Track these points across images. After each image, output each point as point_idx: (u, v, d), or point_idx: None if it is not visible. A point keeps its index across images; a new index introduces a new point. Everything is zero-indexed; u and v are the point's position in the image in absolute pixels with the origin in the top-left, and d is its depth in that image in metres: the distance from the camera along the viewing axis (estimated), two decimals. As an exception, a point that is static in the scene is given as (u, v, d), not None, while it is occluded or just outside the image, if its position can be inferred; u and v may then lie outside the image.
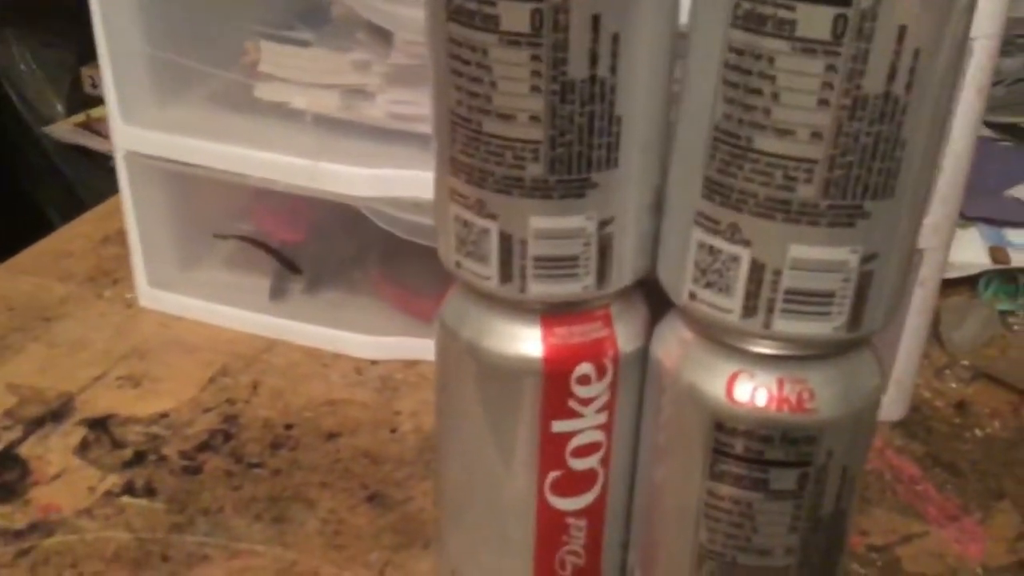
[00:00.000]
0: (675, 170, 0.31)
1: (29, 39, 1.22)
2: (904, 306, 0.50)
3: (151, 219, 0.59)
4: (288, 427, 0.51)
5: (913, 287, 0.49)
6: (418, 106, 0.52)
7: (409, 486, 0.47)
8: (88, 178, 1.14)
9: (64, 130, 1.16)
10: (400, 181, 0.51)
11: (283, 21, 0.54)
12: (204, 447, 0.49)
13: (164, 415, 0.51)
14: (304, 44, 0.54)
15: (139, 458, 0.48)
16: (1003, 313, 0.61)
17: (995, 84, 0.81)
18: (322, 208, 0.54)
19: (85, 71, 1.21)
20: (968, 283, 0.62)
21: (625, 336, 0.35)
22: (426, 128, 0.51)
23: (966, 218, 0.66)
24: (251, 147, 0.53)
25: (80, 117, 1.17)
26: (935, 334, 0.58)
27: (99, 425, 0.50)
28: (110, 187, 0.73)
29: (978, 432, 0.51)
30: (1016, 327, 0.59)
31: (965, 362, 0.56)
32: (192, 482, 0.47)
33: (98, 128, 1.14)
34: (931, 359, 0.56)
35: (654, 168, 0.32)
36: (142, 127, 0.56)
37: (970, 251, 0.64)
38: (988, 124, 0.76)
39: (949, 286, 0.61)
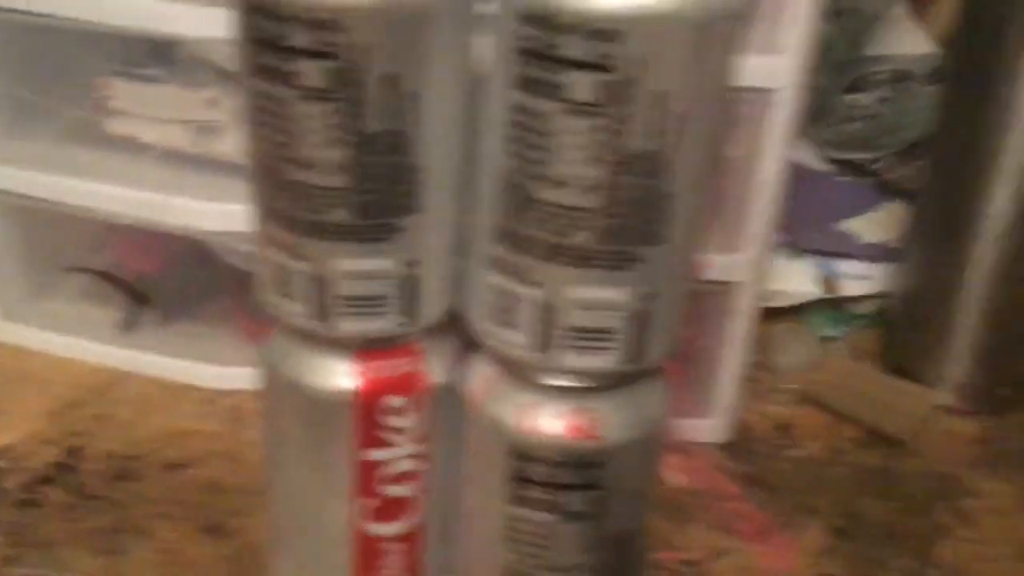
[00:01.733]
0: (474, 217, 0.34)
1: None
2: (722, 336, 0.53)
3: (2, 252, 0.59)
4: (131, 459, 0.51)
5: (731, 318, 0.53)
6: (267, 143, 0.54)
7: (249, 516, 0.48)
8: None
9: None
10: (246, 215, 0.52)
11: (133, 59, 0.55)
12: (45, 480, 0.49)
13: (7, 448, 0.51)
14: (155, 81, 0.55)
15: (-24, 492, 0.48)
16: (829, 339, 0.65)
17: (850, 120, 0.87)
18: (177, 241, 0.55)
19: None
20: (798, 311, 0.66)
21: (437, 370, 0.37)
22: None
23: (799, 250, 0.71)
24: (101, 182, 0.54)
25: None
26: (764, 360, 0.62)
27: (-63, 459, 0.50)
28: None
29: (796, 452, 0.55)
30: (839, 353, 0.64)
31: (790, 386, 0.60)
32: (30, 515, 0.47)
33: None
34: (759, 384, 0.60)
35: (456, 213, 0.34)
36: (-9, 161, 0.56)
37: (801, 281, 0.68)
38: (832, 160, 0.81)
39: (780, 314, 0.65)
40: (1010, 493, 0.53)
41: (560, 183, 0.30)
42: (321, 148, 0.31)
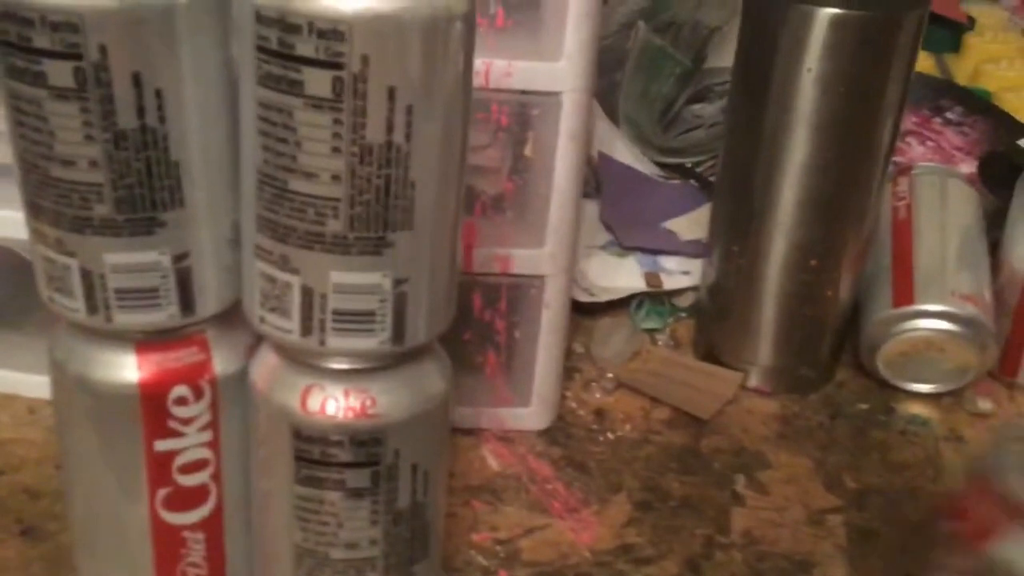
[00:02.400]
0: (241, 208, 0.35)
1: None
2: (538, 328, 0.56)
3: None
4: (-55, 470, 0.51)
5: (542, 311, 0.55)
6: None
7: (66, 519, 0.49)
8: None
9: None
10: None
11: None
12: None
13: None
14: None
15: None
16: (652, 331, 0.68)
17: (695, 128, 0.92)
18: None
19: None
20: (625, 305, 0.69)
21: (223, 359, 0.38)
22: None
23: (625, 247, 0.74)
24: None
25: None
26: (588, 352, 0.65)
27: None
28: None
29: (610, 435, 0.58)
30: (660, 343, 0.67)
31: (610, 375, 0.63)
32: None
33: None
34: (582, 374, 0.63)
35: (225, 206, 0.36)
36: None
37: (627, 277, 0.72)
38: (662, 165, 0.85)
39: (607, 309, 0.68)
40: (804, 464, 0.57)
41: (309, 174, 0.32)
42: (76, 145, 0.32)
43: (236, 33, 0.32)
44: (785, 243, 0.59)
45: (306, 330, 0.35)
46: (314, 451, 0.36)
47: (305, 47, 0.30)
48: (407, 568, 0.40)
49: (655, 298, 0.71)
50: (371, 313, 0.34)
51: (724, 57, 0.94)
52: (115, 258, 0.34)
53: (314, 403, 0.36)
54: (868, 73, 0.55)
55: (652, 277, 0.72)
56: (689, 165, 0.86)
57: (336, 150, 0.32)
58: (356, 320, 0.35)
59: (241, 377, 0.39)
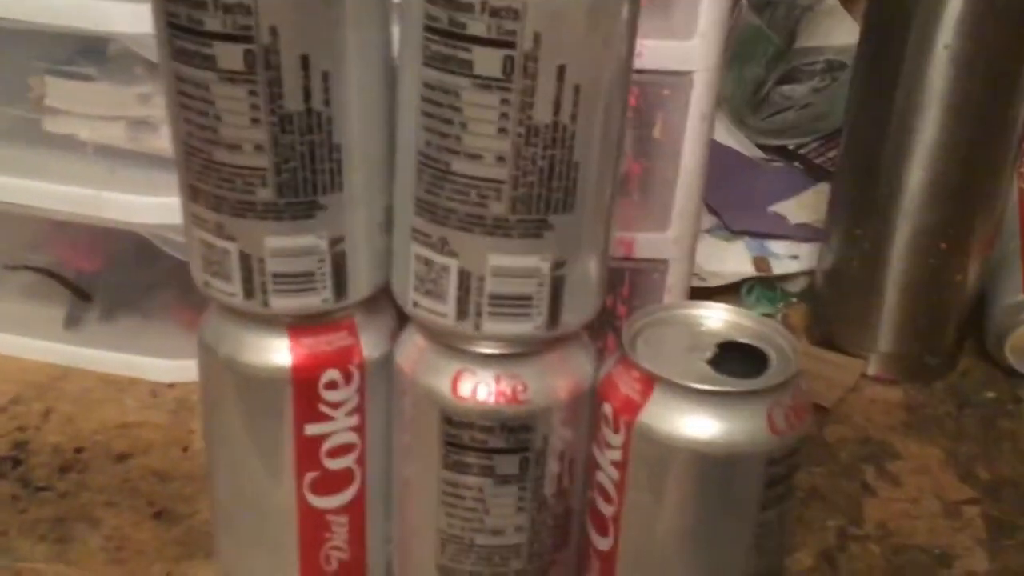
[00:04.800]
0: (396, 190, 0.35)
1: None
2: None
3: (-59, 252, 0.59)
4: (78, 451, 0.52)
5: (661, 295, 0.54)
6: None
7: (197, 500, 0.49)
8: None
9: None
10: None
11: (65, 57, 0.56)
12: (-10, 474, 0.50)
13: (-49, 445, 0.52)
14: (88, 79, 0.55)
15: (-78, 488, 0.49)
16: (764, 316, 0.67)
17: (785, 110, 0.90)
18: (117, 237, 0.56)
19: None
20: (734, 290, 0.68)
21: (370, 344, 0.38)
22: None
23: (733, 231, 0.73)
24: (38, 179, 0.55)
25: None
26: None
27: None
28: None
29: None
30: (773, 328, 0.66)
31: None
32: (-25, 508, 0.48)
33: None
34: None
35: (380, 190, 0.36)
36: (-72, 161, 0.56)
37: (736, 261, 0.70)
38: (763, 147, 0.84)
39: (717, 294, 0.67)
40: (935, 455, 0.55)
41: (473, 156, 0.32)
42: (242, 129, 0.32)
43: (402, 12, 0.32)
44: (912, 226, 0.57)
45: (461, 314, 0.34)
46: (463, 436, 0.36)
47: (476, 26, 0.30)
48: (549, 555, 0.39)
49: (765, 283, 0.69)
50: (528, 297, 0.34)
51: (811, 37, 0.92)
52: (275, 242, 0.34)
53: (465, 388, 0.36)
54: (1008, 50, 0.52)
55: (761, 262, 0.71)
56: (792, 147, 0.84)
57: (503, 131, 0.31)
58: (512, 304, 0.34)
59: (386, 361, 0.38)
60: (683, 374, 0.35)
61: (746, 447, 0.34)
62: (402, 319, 0.39)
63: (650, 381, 0.35)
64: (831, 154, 0.80)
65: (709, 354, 0.36)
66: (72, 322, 0.60)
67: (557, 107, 0.31)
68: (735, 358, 0.36)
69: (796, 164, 0.81)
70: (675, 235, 0.53)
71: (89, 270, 0.62)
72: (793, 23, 0.94)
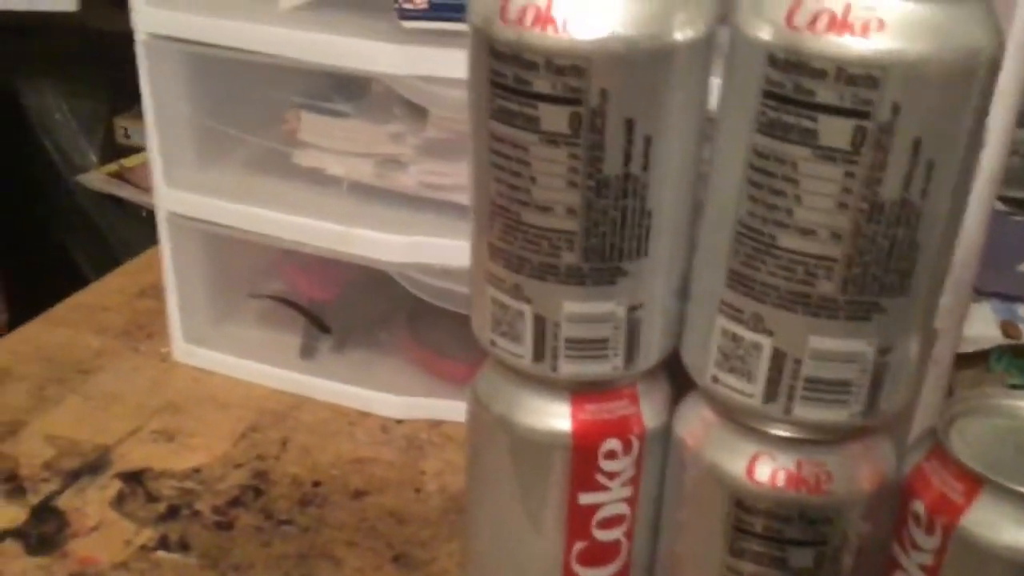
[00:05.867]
0: (701, 260, 0.33)
1: (62, 87, 1.25)
2: (922, 385, 0.51)
3: (188, 276, 0.61)
4: (316, 484, 0.52)
5: (930, 367, 0.50)
6: (449, 176, 0.55)
7: (433, 547, 0.49)
8: (120, 228, 1.16)
9: (97, 179, 1.19)
10: (430, 248, 0.53)
11: (321, 92, 0.57)
12: (235, 503, 0.51)
13: (197, 470, 0.53)
14: (342, 115, 0.56)
15: (173, 512, 0.50)
16: (1015, 387, 0.62)
17: (1010, 155, 0.84)
18: (351, 269, 0.56)
19: (118, 121, 1.24)
20: (981, 357, 0.63)
21: (650, 413, 0.36)
22: (457, 197, 0.54)
23: (979, 293, 0.68)
24: (288, 211, 0.56)
25: (113, 167, 1.20)
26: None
27: (134, 479, 0.52)
28: (141, 237, 0.75)
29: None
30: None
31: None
32: (224, 538, 0.48)
33: (130, 178, 1.17)
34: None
35: (681, 256, 0.34)
36: (184, 190, 0.58)
37: (982, 325, 0.65)
38: (1001, 199, 0.78)
39: (962, 360, 0.62)
40: None
41: (805, 231, 0.29)
42: (557, 191, 0.31)
43: (731, 74, 0.30)
44: None
45: (770, 395, 0.32)
46: (756, 524, 0.34)
47: (827, 94, 0.27)
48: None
49: (1015, 350, 0.64)
50: (847, 383, 0.31)
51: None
52: (574, 307, 0.33)
53: (763, 472, 0.33)
54: None
55: (1010, 327, 0.65)
56: (1034, 199, 0.78)
57: (843, 205, 0.29)
58: (830, 390, 0.31)
59: (664, 432, 0.36)
60: (1015, 477, 0.31)
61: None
62: (678, 387, 0.37)
63: (976, 482, 0.31)
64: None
65: (1040, 455, 0.32)
66: (308, 352, 0.61)
67: (907, 183, 0.28)
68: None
69: (1043, 218, 0.75)
70: (948, 304, 0.49)
71: (321, 299, 0.63)
72: None
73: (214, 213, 0.58)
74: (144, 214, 0.64)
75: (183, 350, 0.62)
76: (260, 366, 0.60)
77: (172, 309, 0.62)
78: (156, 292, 0.64)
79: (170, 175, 0.58)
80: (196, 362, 0.62)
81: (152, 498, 0.51)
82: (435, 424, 0.57)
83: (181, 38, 0.53)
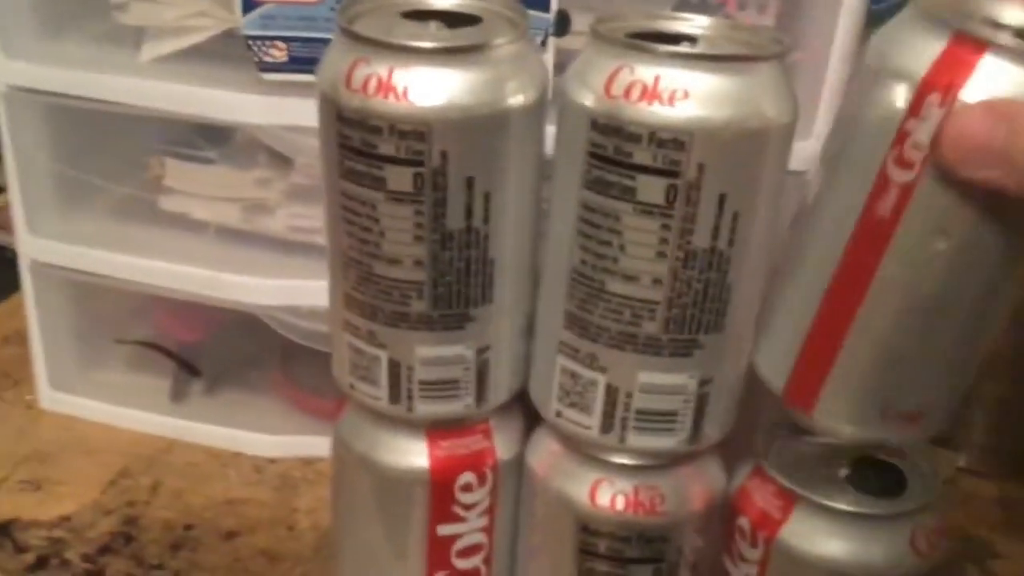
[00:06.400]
0: (542, 303, 0.36)
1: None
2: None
3: (54, 323, 0.61)
4: (188, 527, 0.53)
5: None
6: (316, 220, 0.56)
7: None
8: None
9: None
10: (298, 290, 0.55)
11: (185, 138, 0.58)
12: (106, 550, 0.51)
13: (66, 518, 0.53)
14: (207, 162, 0.57)
15: (42, 563, 0.50)
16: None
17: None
18: (221, 311, 0.57)
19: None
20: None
21: (504, 446, 0.39)
22: (324, 241, 0.55)
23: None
24: (154, 257, 0.56)
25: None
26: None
27: (2, 530, 0.52)
28: (4, 281, 0.73)
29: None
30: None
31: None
32: (94, 586, 0.49)
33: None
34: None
35: (525, 300, 0.37)
36: (47, 238, 0.58)
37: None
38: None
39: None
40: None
41: (629, 277, 0.33)
42: (405, 245, 0.33)
43: (560, 137, 0.33)
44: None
45: (606, 427, 0.35)
46: (599, 545, 0.37)
47: (642, 155, 0.31)
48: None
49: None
50: (673, 413, 0.35)
51: None
52: (426, 351, 0.35)
53: (603, 498, 0.36)
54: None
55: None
56: None
57: (661, 254, 0.32)
58: (658, 420, 0.35)
59: (517, 463, 0.39)
60: (825, 493, 0.35)
61: (889, 570, 0.34)
62: (530, 420, 0.39)
63: (791, 498, 0.35)
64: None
65: (845, 471, 0.36)
66: (178, 395, 0.61)
67: (716, 233, 0.32)
68: (869, 472, 0.37)
69: None
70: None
71: (191, 341, 0.64)
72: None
73: (78, 261, 0.58)
74: (9, 256, 0.63)
75: (50, 397, 0.62)
76: (130, 411, 0.60)
77: (37, 356, 0.61)
78: (20, 339, 0.63)
79: (33, 223, 0.58)
80: (64, 409, 0.62)
81: (20, 549, 0.51)
82: (309, 462, 0.59)
83: (42, 90, 0.54)
